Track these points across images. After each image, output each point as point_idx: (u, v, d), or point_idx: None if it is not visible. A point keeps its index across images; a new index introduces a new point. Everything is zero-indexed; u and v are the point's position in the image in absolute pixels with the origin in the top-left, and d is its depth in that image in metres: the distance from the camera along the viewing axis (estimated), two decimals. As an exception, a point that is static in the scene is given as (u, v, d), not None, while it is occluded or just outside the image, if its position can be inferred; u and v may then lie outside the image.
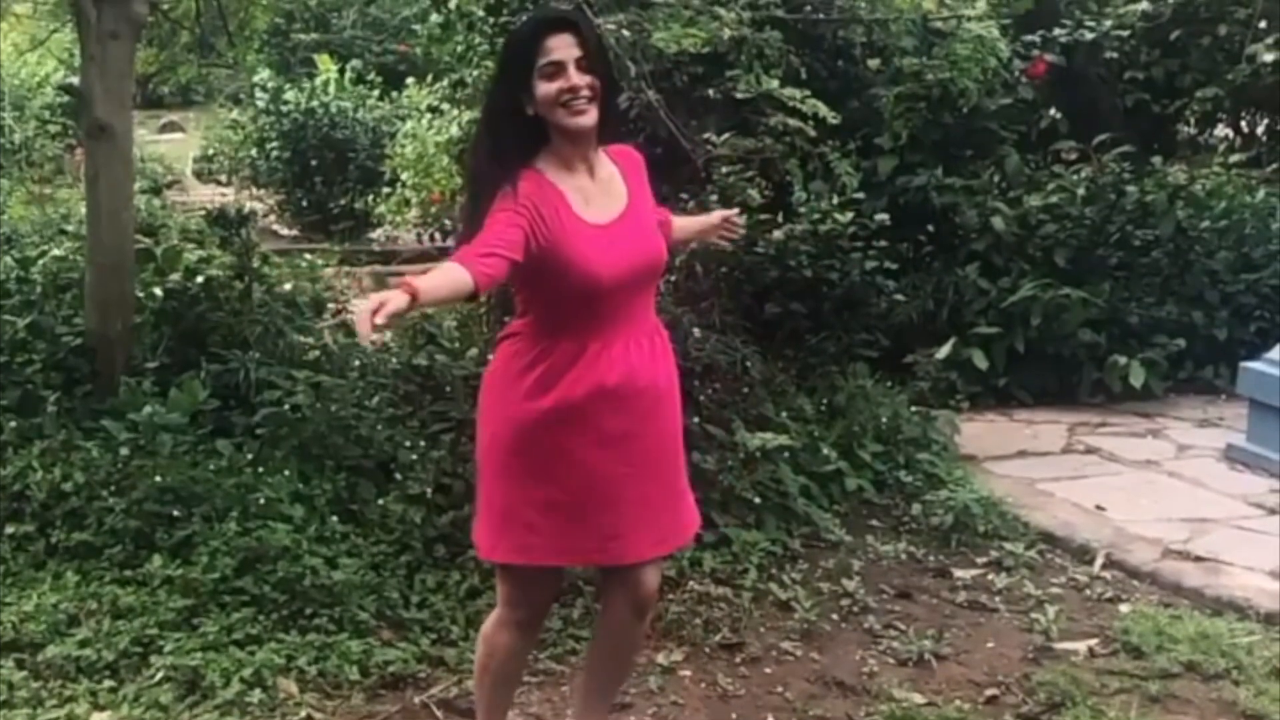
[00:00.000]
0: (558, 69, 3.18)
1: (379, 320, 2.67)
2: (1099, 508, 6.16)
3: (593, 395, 3.24)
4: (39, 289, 6.06)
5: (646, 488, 3.36)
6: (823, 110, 6.75)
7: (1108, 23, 9.71)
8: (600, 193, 3.31)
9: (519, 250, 3.07)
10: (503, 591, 3.50)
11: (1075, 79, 9.56)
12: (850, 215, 7.22)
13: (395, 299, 2.72)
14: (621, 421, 3.29)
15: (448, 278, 2.92)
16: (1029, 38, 8.94)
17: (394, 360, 6.01)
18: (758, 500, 5.57)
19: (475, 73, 8.07)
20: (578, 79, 3.19)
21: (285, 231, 14.92)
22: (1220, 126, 11.10)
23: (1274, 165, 10.03)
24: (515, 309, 3.41)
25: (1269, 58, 9.62)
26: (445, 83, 9.53)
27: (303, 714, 4.05)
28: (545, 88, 3.19)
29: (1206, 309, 8.38)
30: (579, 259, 3.18)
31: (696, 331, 6.05)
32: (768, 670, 4.51)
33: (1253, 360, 7.12)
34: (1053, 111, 9.88)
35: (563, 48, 3.20)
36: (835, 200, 7.28)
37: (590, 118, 3.23)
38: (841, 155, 7.47)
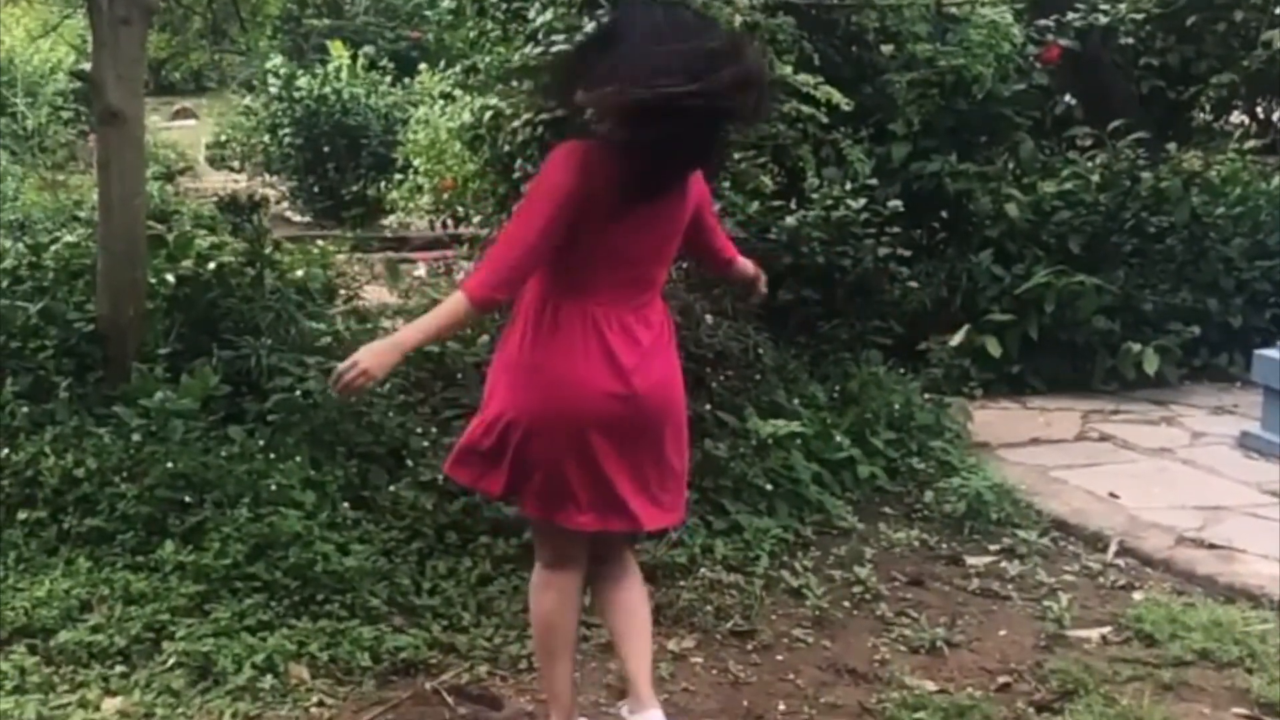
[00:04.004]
0: None
1: None
2: (1112, 495, 6.15)
3: None
4: (51, 275, 6.04)
5: None
6: (836, 96, 6.72)
7: (1122, 6, 9.66)
8: None
9: None
10: None
11: (1090, 65, 9.51)
12: (863, 202, 7.19)
13: None
14: None
15: None
16: (1043, 22, 8.89)
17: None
18: (770, 487, 5.56)
19: (487, 59, 8.06)
20: None
21: (297, 218, 14.95)
22: (1235, 113, 11.06)
23: (1289, 151, 10.00)
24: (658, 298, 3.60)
25: (1285, 44, 9.57)
26: (458, 69, 9.51)
27: (314, 700, 4.05)
28: None
29: (1221, 296, 8.36)
30: None
31: (709, 318, 6.04)
32: (779, 657, 4.50)
33: (1267, 348, 7.10)
34: (1067, 98, 9.85)
35: None
36: (848, 187, 7.26)
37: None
38: (854, 141, 7.45)
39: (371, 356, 3.20)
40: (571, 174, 3.30)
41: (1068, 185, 8.45)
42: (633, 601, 3.72)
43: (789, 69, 6.75)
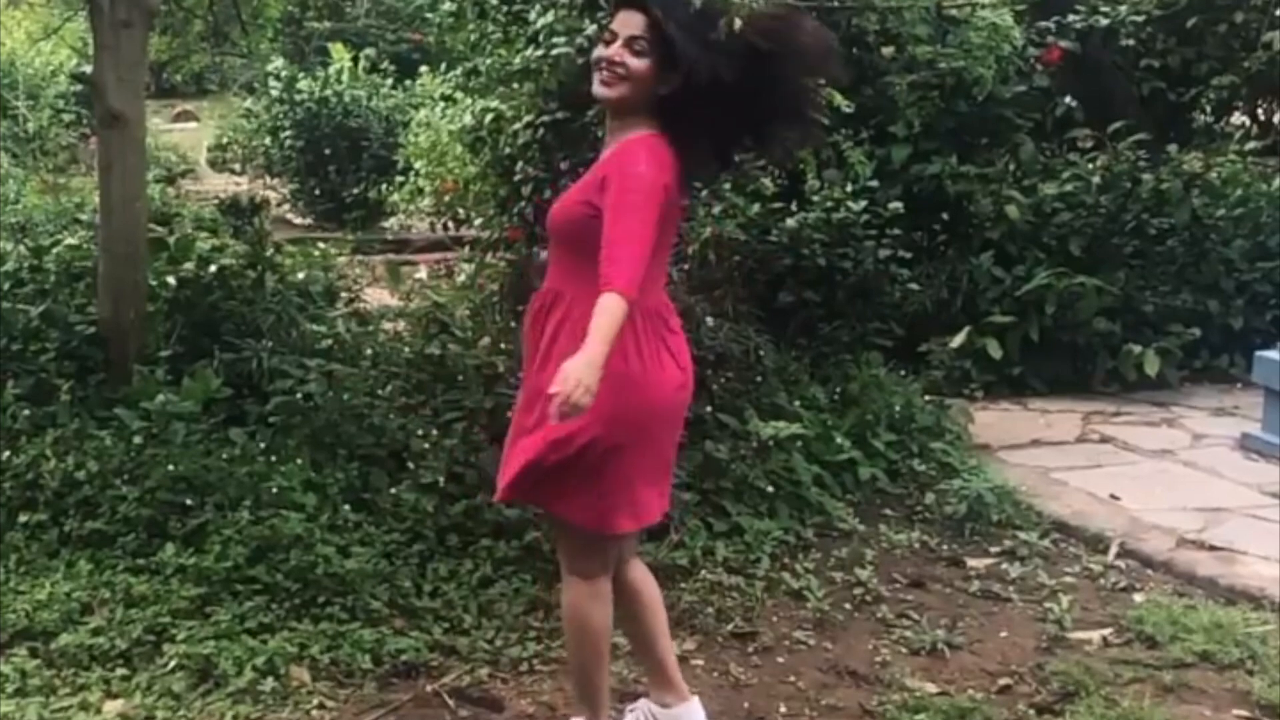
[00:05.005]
0: (612, 39, 3.40)
1: None
2: (1113, 497, 6.15)
3: None
4: (52, 278, 6.05)
5: (514, 429, 3.56)
6: (836, 98, 6.71)
7: (1123, 8, 9.66)
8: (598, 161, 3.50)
9: None
10: None
11: (1091, 66, 9.50)
12: (864, 204, 7.20)
13: None
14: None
15: None
16: (1043, 24, 8.90)
17: (407, 349, 6.00)
18: (770, 489, 5.56)
19: (488, 61, 8.05)
20: (615, 53, 3.37)
21: (299, 220, 14.96)
22: (1236, 114, 11.03)
23: (1290, 153, 9.98)
24: None
25: (1285, 45, 9.55)
26: (458, 71, 9.52)
27: (315, 702, 4.05)
28: (594, 52, 3.45)
29: (1222, 298, 8.37)
30: None
31: (710, 320, 6.05)
32: (780, 659, 4.50)
33: (1268, 349, 7.10)
34: (1068, 99, 9.84)
35: (623, 23, 3.40)
36: (849, 189, 7.27)
37: (607, 92, 3.41)
38: (855, 143, 7.45)
39: (589, 373, 2.99)
40: (664, 170, 3.33)
41: (1068, 187, 8.46)
42: (659, 596, 3.78)
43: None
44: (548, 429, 3.30)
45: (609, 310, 3.07)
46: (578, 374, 2.97)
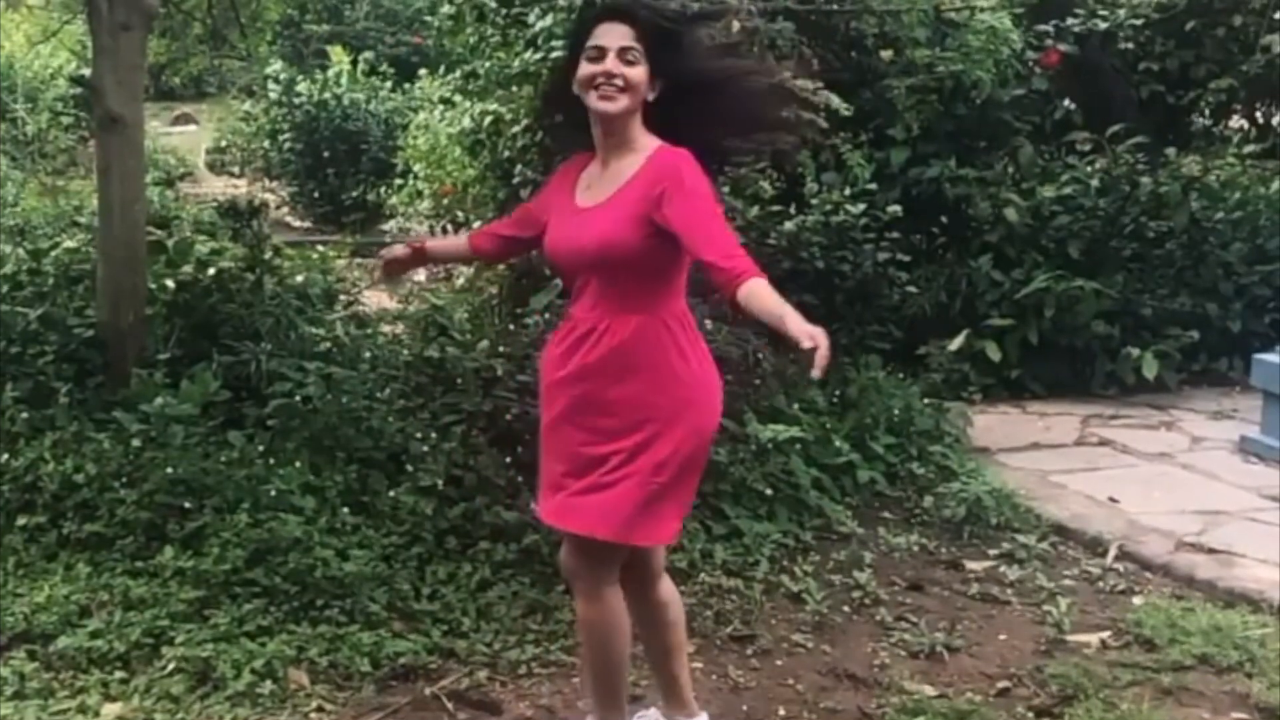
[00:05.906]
0: (600, 54, 3.33)
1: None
2: (1112, 500, 6.15)
3: (546, 364, 3.53)
4: (51, 281, 6.05)
5: (561, 473, 3.45)
6: (835, 101, 6.73)
7: (1121, 12, 9.67)
8: (603, 180, 3.42)
9: (515, 227, 3.73)
10: None
11: (1089, 69, 9.52)
12: (862, 207, 7.21)
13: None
14: (556, 395, 3.46)
15: (453, 240, 3.83)
16: (1042, 27, 8.91)
17: (405, 352, 6.00)
18: (769, 492, 5.56)
19: (487, 64, 8.07)
20: (613, 66, 3.32)
21: (298, 223, 14.98)
22: (1235, 117, 11.05)
23: (1288, 156, 9.98)
24: None
25: (1284, 49, 9.56)
26: (458, 74, 9.53)
27: (313, 705, 4.05)
28: (583, 69, 3.35)
29: (1220, 301, 8.38)
30: (546, 235, 3.51)
31: (709, 323, 6.03)
32: (779, 662, 4.50)
33: (1267, 352, 7.10)
34: (1066, 102, 9.86)
35: (610, 35, 3.34)
36: (847, 192, 7.28)
37: (610, 106, 3.35)
38: (854, 147, 7.46)
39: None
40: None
41: (1067, 190, 8.47)
42: (683, 613, 3.80)
43: (788, 74, 6.76)
44: (643, 456, 3.32)
45: (767, 293, 3.06)
46: (819, 332, 2.92)
